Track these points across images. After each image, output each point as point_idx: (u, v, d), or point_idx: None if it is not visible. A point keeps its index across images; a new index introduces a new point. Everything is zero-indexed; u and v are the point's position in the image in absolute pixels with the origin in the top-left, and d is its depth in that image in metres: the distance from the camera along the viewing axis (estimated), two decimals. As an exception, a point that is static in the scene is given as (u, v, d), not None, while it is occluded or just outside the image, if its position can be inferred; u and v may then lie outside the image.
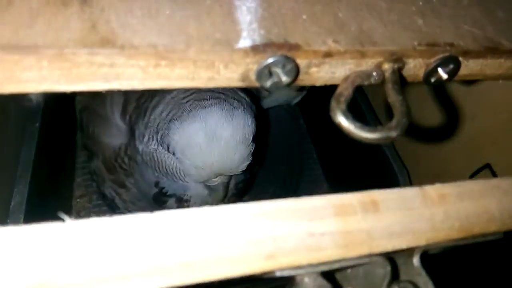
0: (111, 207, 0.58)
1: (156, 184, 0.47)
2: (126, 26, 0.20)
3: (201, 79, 0.22)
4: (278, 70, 0.22)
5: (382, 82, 0.24)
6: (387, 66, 0.24)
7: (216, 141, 0.37)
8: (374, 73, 0.24)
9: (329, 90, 0.23)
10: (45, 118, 0.57)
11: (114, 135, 0.49)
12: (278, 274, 0.20)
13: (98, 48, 0.20)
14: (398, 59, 0.24)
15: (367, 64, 0.24)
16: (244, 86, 0.23)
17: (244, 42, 0.21)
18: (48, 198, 0.58)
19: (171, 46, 0.20)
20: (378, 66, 0.24)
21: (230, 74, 0.22)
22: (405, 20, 0.25)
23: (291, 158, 0.77)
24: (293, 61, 0.22)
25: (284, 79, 0.22)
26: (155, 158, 0.42)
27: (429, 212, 0.22)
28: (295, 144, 0.76)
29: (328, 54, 0.23)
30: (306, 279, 0.21)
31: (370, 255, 0.21)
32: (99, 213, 0.66)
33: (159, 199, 0.48)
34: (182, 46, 0.20)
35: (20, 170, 0.52)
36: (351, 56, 0.23)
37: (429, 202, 0.23)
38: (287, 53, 0.22)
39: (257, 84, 0.23)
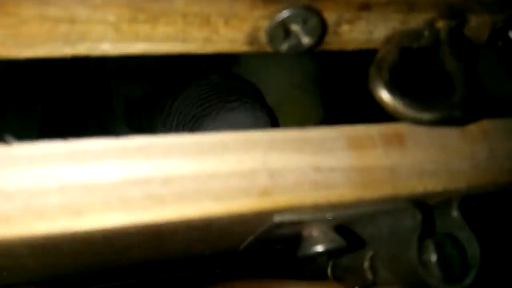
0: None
1: None
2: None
3: (194, 40, 0.16)
4: (297, 28, 0.16)
5: (436, 45, 0.18)
6: (442, 24, 0.18)
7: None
8: (426, 33, 0.17)
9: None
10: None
11: (125, 130, 0.50)
12: (277, 219, 0.16)
13: (50, -4, 0.14)
14: (457, 14, 0.18)
15: (416, 21, 0.18)
16: (252, 51, 0.17)
17: (252, -11, 0.15)
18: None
19: (151, -7, 0.15)
20: (431, 24, 0.18)
21: (232, 34, 0.16)
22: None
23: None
24: (318, 15, 0.16)
25: (306, 40, 0.16)
26: None
27: (469, 149, 0.17)
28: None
29: (365, 6, 0.16)
30: (315, 232, 0.16)
31: (395, 200, 0.16)
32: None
33: None
34: (165, -8, 0.15)
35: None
36: (396, 8, 0.17)
37: (469, 138, 0.17)
38: (310, 3, 0.16)
39: (268, 48, 0.17)
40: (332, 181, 0.15)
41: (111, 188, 0.14)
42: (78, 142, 0.14)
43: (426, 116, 0.15)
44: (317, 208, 0.15)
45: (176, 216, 0.14)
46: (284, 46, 0.17)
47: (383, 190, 0.15)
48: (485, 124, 0.18)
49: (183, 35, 0.16)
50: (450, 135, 0.17)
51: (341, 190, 0.15)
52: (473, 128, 0.17)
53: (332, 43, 0.18)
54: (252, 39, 0.17)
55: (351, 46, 0.18)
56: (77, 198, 0.13)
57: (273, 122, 0.45)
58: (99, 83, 0.54)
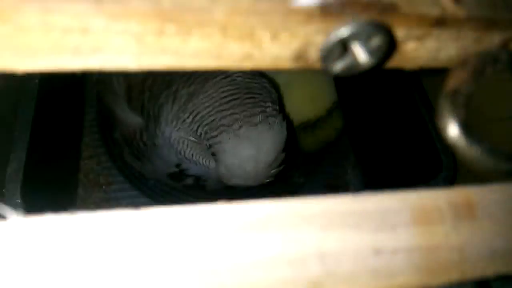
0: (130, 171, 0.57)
1: (178, 165, 0.45)
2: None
3: (232, 56, 0.13)
4: (358, 46, 0.13)
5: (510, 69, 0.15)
6: (521, 44, 0.15)
7: (260, 165, 0.38)
8: (503, 56, 0.14)
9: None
10: (46, 73, 0.49)
11: (127, 111, 0.47)
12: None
13: (57, 2, 0.11)
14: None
15: (491, 40, 0.15)
16: (297, 68, 0.14)
17: (307, -2, 0.12)
18: (51, 161, 0.51)
19: (185, 2, 0.11)
20: (505, 44, 0.15)
21: (278, 50, 0.13)
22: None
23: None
24: (385, 30, 0.13)
25: (365, 60, 0.13)
26: (185, 144, 0.41)
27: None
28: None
29: (439, 22, 0.13)
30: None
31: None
32: (108, 176, 0.59)
33: (177, 177, 0.46)
34: (203, 1, 0.12)
35: (18, 131, 0.45)
36: (473, 26, 0.14)
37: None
38: (378, 18, 0.13)
39: (317, 66, 0.14)
40: (394, 266, 0.12)
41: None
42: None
43: (510, 166, 0.12)
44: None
45: None
46: (338, 66, 0.14)
47: (450, 275, 0.13)
48: None
49: (219, 50, 0.13)
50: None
51: (403, 278, 0.12)
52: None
53: (393, 61, 0.15)
54: (300, 55, 0.14)
55: (411, 65, 0.15)
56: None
57: (292, 134, 0.42)
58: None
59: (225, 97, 0.39)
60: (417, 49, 0.14)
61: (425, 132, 0.50)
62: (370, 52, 0.13)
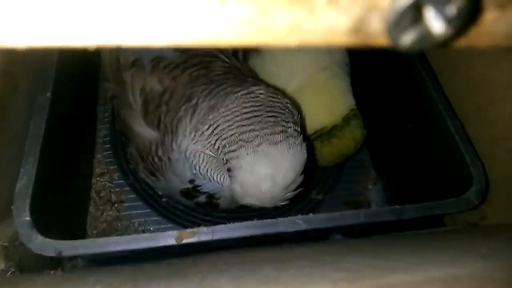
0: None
1: (191, 181, 0.43)
2: None
3: (277, 27, 0.11)
4: (432, 11, 0.10)
5: None
6: None
7: (277, 186, 0.36)
8: None
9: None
10: (58, 87, 0.47)
11: (143, 125, 0.45)
12: None
13: None
14: None
15: None
16: (354, 44, 0.12)
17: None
18: (62, 178, 0.48)
19: None
20: None
21: (334, 17, 0.11)
22: None
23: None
24: (468, -8, 0.10)
25: (439, 29, 0.11)
26: (201, 158, 0.39)
27: None
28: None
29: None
30: None
31: None
32: (120, 193, 0.57)
33: (189, 194, 0.44)
34: None
35: (28, 146, 0.43)
36: None
37: None
38: (461, -26, 0.10)
39: (379, 40, 0.12)
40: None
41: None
42: None
43: None
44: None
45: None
46: (406, 38, 0.11)
47: None
48: None
49: (262, 19, 0.10)
50: None
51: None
52: None
53: (469, 37, 0.12)
54: (359, 26, 0.11)
55: (487, 42, 0.12)
56: None
57: (312, 158, 0.41)
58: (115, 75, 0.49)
59: (247, 112, 0.37)
60: (497, 21, 0.12)
61: (452, 143, 0.47)
62: (447, 19, 0.11)
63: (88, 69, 0.62)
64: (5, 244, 0.41)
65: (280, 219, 0.40)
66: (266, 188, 0.36)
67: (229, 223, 0.39)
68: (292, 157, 0.36)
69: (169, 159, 0.43)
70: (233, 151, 0.36)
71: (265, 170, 0.35)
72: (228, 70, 0.46)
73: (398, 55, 0.55)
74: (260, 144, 0.35)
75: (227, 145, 0.36)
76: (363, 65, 0.62)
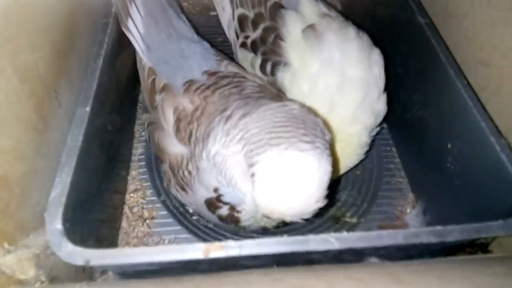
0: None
1: (216, 190, 0.42)
2: None
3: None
4: None
5: None
6: None
7: (299, 196, 0.34)
8: None
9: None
10: (98, 103, 0.48)
11: (175, 143, 0.46)
12: None
13: None
14: None
15: None
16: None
17: None
18: (96, 191, 0.49)
19: None
20: None
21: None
22: None
23: (368, 161, 0.63)
24: None
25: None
26: (228, 164, 0.38)
27: None
28: (373, 145, 0.61)
29: None
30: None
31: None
32: (152, 210, 0.56)
33: (213, 204, 0.44)
34: None
35: (64, 157, 0.43)
36: None
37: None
38: None
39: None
40: None
41: None
42: None
43: None
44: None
45: None
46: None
47: None
48: None
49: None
50: None
51: None
52: None
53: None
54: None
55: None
56: None
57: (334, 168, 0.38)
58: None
59: (278, 121, 0.37)
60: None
61: (498, 163, 0.43)
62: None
63: (129, 88, 0.64)
64: (37, 252, 0.41)
65: (311, 236, 0.38)
66: (287, 197, 0.34)
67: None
68: (318, 168, 0.34)
69: (197, 169, 0.43)
70: (259, 154, 0.35)
71: (289, 177, 0.34)
72: (259, 89, 0.46)
73: (436, 72, 0.53)
74: (286, 149, 0.34)
75: (254, 149, 0.35)
76: (400, 84, 0.60)
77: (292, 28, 0.52)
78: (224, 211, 0.44)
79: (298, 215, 0.35)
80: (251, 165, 0.35)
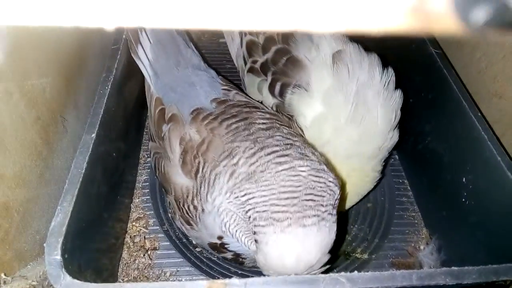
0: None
1: (220, 238, 0.43)
2: None
3: None
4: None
5: None
6: None
7: (301, 264, 0.36)
8: None
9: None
10: (104, 130, 0.48)
11: (181, 174, 0.46)
12: None
13: None
14: None
15: None
16: (409, 29, 0.10)
17: None
18: (98, 219, 0.48)
19: None
20: None
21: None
22: None
23: (379, 193, 0.61)
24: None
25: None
26: (232, 219, 0.40)
27: None
28: (384, 178, 0.60)
29: None
30: None
31: None
32: (154, 240, 0.55)
33: (217, 248, 0.44)
34: None
35: (67, 185, 0.42)
36: None
37: None
38: None
39: (445, 21, 0.10)
40: None
41: None
42: None
43: None
44: None
45: None
46: (478, 13, 0.09)
47: None
48: None
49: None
50: None
51: None
52: None
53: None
54: (418, 3, 0.09)
55: None
56: None
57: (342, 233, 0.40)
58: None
59: (284, 192, 0.37)
60: None
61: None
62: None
63: (135, 114, 0.63)
64: (34, 283, 0.40)
65: (321, 276, 0.36)
66: (289, 265, 0.36)
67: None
68: (320, 239, 0.37)
69: (203, 210, 0.43)
70: (262, 226, 0.36)
71: (290, 249, 0.36)
72: (270, 124, 0.45)
73: (448, 103, 0.52)
74: (289, 225, 0.36)
75: (258, 219, 0.37)
76: (412, 115, 0.59)
77: (307, 52, 0.52)
78: (228, 255, 0.45)
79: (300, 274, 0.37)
80: (254, 233, 0.37)
